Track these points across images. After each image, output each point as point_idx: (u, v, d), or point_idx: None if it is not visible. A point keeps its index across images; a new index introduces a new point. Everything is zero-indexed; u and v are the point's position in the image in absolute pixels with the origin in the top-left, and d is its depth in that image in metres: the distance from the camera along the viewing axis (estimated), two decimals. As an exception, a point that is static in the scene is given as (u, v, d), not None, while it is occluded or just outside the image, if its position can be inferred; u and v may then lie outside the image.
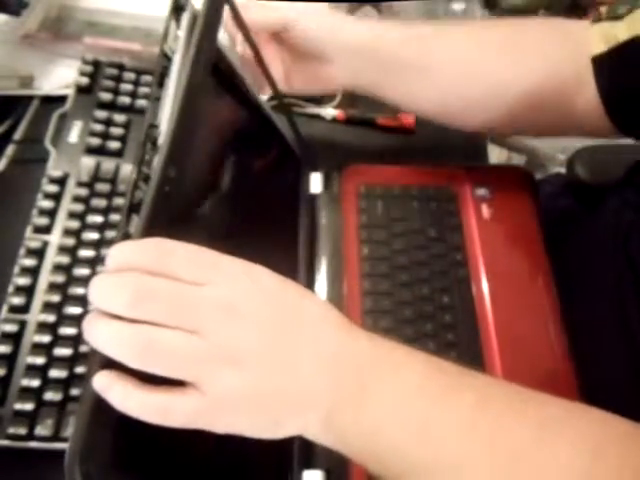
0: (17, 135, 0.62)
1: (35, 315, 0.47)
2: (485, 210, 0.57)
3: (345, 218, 0.56)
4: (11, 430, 0.43)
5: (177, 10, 0.47)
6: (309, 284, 0.53)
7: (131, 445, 0.30)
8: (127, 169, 0.55)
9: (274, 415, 0.30)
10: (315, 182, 0.59)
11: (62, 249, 0.50)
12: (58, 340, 0.46)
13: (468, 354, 0.50)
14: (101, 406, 0.28)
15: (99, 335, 0.28)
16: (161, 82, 0.42)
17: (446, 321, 0.51)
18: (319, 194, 0.58)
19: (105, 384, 0.28)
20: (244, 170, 0.50)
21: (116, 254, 0.30)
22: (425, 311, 0.51)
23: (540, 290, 0.53)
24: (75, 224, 0.51)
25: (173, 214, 0.34)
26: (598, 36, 0.46)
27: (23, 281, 0.49)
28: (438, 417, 0.30)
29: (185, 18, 0.47)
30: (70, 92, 0.60)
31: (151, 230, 0.31)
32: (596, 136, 0.49)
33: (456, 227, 0.56)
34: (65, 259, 0.50)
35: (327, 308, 0.33)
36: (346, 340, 0.32)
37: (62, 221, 0.52)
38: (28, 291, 0.48)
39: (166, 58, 0.43)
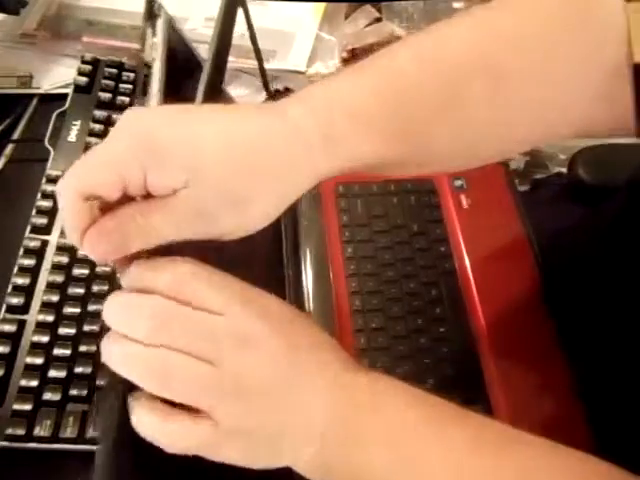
0: (16, 134, 0.62)
1: (34, 315, 0.47)
2: (464, 200, 0.58)
3: (326, 219, 0.56)
4: (9, 431, 0.43)
5: (151, 18, 0.47)
6: (297, 287, 0.53)
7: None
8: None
9: (274, 448, 0.30)
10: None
11: (61, 249, 0.50)
12: (57, 340, 0.46)
13: (459, 345, 0.50)
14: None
15: (115, 355, 0.29)
16: (145, 90, 0.42)
17: (436, 314, 0.51)
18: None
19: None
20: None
21: (134, 274, 0.30)
22: (414, 306, 0.52)
23: (523, 273, 0.54)
24: (74, 224, 0.51)
25: None
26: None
27: (22, 281, 0.48)
28: (429, 458, 0.30)
29: (160, 25, 0.47)
30: (69, 91, 0.60)
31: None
32: (599, 136, 0.46)
33: (437, 219, 0.56)
34: (64, 259, 0.49)
35: (330, 340, 0.33)
36: (348, 374, 0.32)
37: (61, 221, 0.51)
38: (27, 291, 0.48)
39: (146, 67, 0.43)
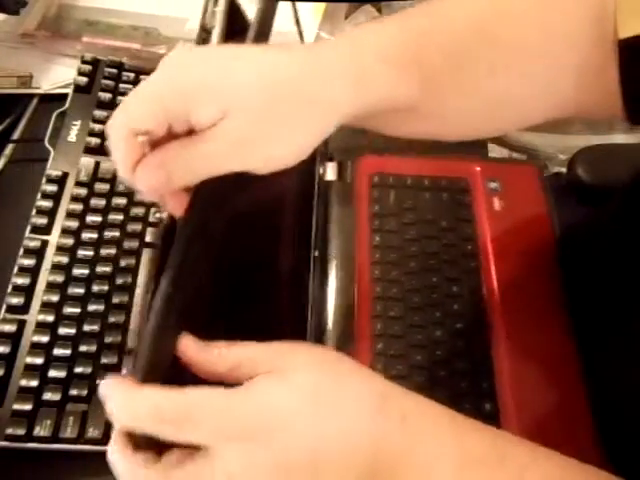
0: (16, 134, 0.62)
1: (34, 315, 0.47)
2: (496, 203, 0.58)
3: (357, 206, 0.57)
4: (9, 431, 0.43)
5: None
6: (322, 269, 0.54)
7: None
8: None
9: None
10: (330, 171, 0.60)
11: (61, 249, 0.50)
12: (57, 340, 0.46)
13: (474, 341, 0.51)
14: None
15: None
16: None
17: (454, 309, 0.52)
18: (333, 182, 0.59)
19: None
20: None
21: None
22: (433, 299, 0.52)
23: (548, 283, 0.54)
24: (74, 224, 0.51)
25: None
26: (627, 12, 0.36)
27: (22, 281, 0.48)
28: None
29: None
30: (69, 91, 0.60)
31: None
32: (596, 117, 0.47)
33: (467, 218, 0.57)
34: (64, 259, 0.49)
35: (362, 403, 0.31)
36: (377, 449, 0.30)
37: (61, 221, 0.52)
38: (27, 291, 0.48)
39: (205, 32, 0.45)
